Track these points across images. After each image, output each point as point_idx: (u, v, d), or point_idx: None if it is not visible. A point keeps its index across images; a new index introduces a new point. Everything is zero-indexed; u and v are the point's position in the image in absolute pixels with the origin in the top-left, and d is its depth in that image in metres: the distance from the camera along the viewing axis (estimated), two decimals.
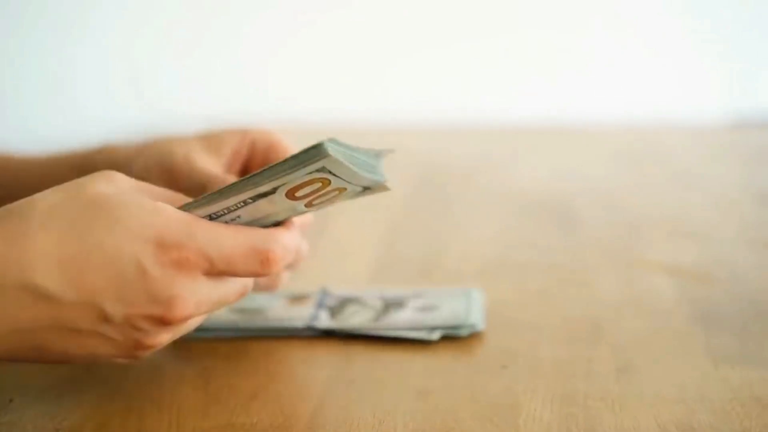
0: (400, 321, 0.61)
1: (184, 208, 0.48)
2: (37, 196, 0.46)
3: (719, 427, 0.49)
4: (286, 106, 1.51)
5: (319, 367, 0.57)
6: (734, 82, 1.50)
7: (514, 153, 1.22)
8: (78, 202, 0.46)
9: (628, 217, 0.89)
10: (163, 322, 0.47)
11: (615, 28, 1.53)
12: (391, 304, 0.64)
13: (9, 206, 0.46)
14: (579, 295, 0.69)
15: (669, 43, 1.52)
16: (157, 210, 0.46)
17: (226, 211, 0.48)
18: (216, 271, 0.47)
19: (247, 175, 0.47)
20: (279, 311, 0.63)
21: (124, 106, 1.48)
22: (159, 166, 0.59)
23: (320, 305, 0.64)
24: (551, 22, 1.54)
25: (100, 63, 1.48)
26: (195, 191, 0.55)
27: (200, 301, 0.47)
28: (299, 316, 0.62)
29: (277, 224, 0.51)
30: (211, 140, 0.61)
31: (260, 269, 0.48)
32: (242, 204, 0.48)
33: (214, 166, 0.59)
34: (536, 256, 0.79)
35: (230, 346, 0.60)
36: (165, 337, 0.48)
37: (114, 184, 0.47)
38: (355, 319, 0.62)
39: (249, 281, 0.51)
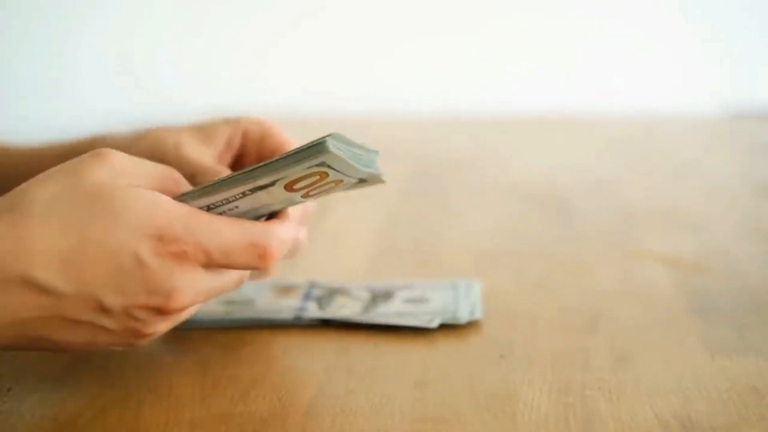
0: (388, 313, 0.61)
1: (182, 197, 0.48)
2: (34, 186, 0.46)
3: (716, 416, 0.49)
4: (284, 98, 1.51)
5: (317, 356, 0.57)
6: (732, 73, 1.50)
7: (511, 144, 1.22)
8: (76, 194, 0.46)
9: (626, 208, 0.89)
10: (162, 313, 0.47)
11: (613, 19, 1.53)
12: (379, 296, 0.64)
13: (5, 198, 0.46)
14: (577, 286, 0.69)
15: (667, 34, 1.52)
16: (156, 203, 0.46)
17: (224, 202, 0.48)
18: (214, 264, 0.48)
19: (247, 168, 0.47)
20: (267, 302, 0.63)
21: (123, 97, 1.48)
22: (150, 158, 0.59)
23: (308, 296, 0.64)
24: (548, 13, 1.53)
25: (98, 54, 1.48)
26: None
27: (198, 292, 0.48)
28: (287, 307, 0.62)
29: (273, 214, 0.51)
30: (202, 130, 0.61)
31: (258, 263, 0.49)
32: (240, 195, 0.48)
33: (205, 156, 0.59)
34: (533, 247, 0.79)
35: (228, 335, 0.60)
36: (163, 326, 0.49)
37: (110, 167, 0.47)
38: (343, 311, 0.62)
39: (246, 271, 0.51)
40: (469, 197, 0.96)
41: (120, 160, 0.48)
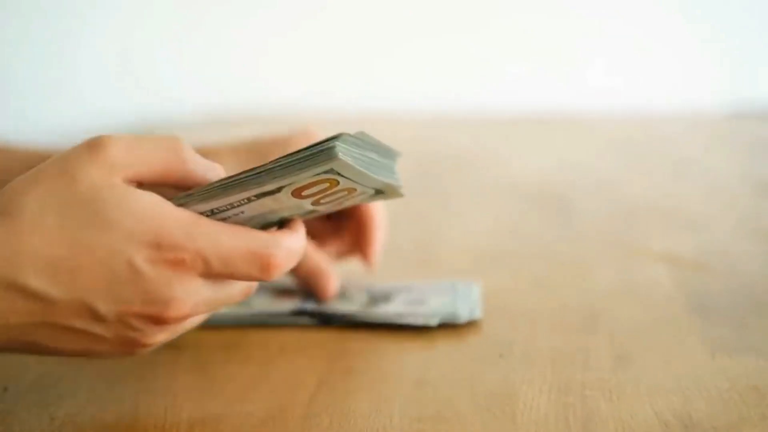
0: (388, 312, 0.61)
1: (184, 199, 0.46)
2: (25, 188, 0.44)
3: (716, 416, 0.49)
4: (284, 97, 1.51)
5: (316, 356, 0.57)
6: (732, 72, 1.50)
7: (511, 144, 1.22)
8: (69, 198, 0.44)
9: (626, 207, 0.89)
10: (159, 322, 0.46)
11: (613, 19, 1.53)
12: (377, 298, 0.63)
13: None
14: (576, 285, 0.69)
15: (667, 34, 1.52)
16: (154, 209, 0.45)
17: (228, 207, 0.46)
18: (213, 273, 0.46)
19: (251, 172, 0.45)
20: (266, 302, 0.63)
21: (123, 97, 1.48)
22: None
23: (307, 296, 0.63)
24: (548, 13, 1.53)
25: (98, 54, 1.48)
26: None
27: (198, 302, 0.46)
28: (286, 306, 0.62)
29: (285, 222, 0.49)
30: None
31: (260, 274, 0.47)
32: (246, 201, 0.46)
33: None
34: (533, 246, 0.79)
35: (226, 335, 0.59)
36: (161, 336, 0.47)
37: (104, 162, 0.44)
38: (342, 309, 0.61)
39: (252, 282, 0.49)
40: (469, 197, 0.96)
41: (116, 150, 0.45)
